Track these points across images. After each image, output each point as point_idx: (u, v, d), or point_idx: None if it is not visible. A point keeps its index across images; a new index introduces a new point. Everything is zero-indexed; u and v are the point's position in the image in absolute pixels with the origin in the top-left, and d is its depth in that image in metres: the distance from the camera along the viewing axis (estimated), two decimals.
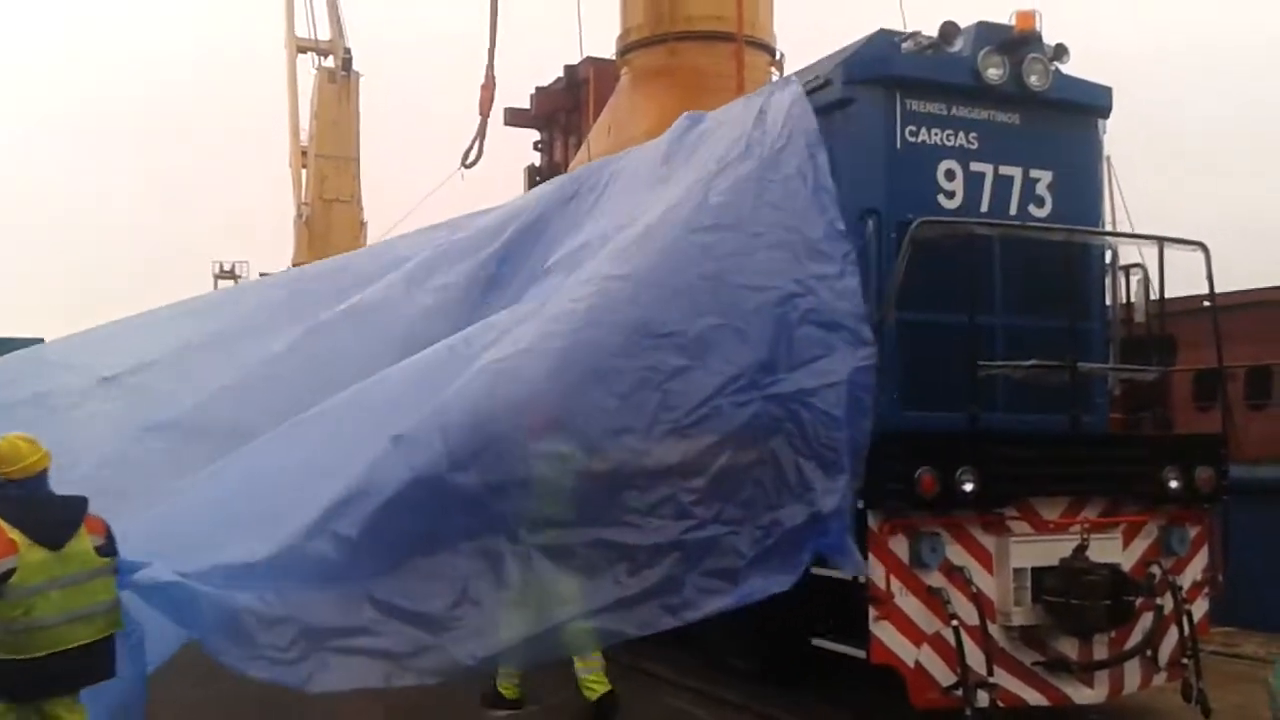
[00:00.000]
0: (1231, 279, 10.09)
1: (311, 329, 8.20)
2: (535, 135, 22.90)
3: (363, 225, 41.75)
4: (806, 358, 6.54)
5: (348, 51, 41.35)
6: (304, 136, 41.76)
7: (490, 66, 18.70)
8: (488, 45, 18.55)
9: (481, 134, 18.89)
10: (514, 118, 21.39)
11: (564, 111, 21.56)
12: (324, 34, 41.87)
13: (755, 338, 6.56)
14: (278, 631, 5.52)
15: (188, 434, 7.31)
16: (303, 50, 42.07)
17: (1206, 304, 7.93)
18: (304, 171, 41.55)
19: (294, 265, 40.70)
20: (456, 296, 8.27)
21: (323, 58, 42.04)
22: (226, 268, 61.21)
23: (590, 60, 18.64)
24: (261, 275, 44.40)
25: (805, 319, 6.63)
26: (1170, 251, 7.77)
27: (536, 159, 22.88)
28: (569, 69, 21.00)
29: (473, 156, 18.85)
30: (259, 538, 5.71)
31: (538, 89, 22.18)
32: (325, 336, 8.10)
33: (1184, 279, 8.10)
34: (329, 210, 40.65)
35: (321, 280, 9.22)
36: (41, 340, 15.93)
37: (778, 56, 16.20)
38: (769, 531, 6.35)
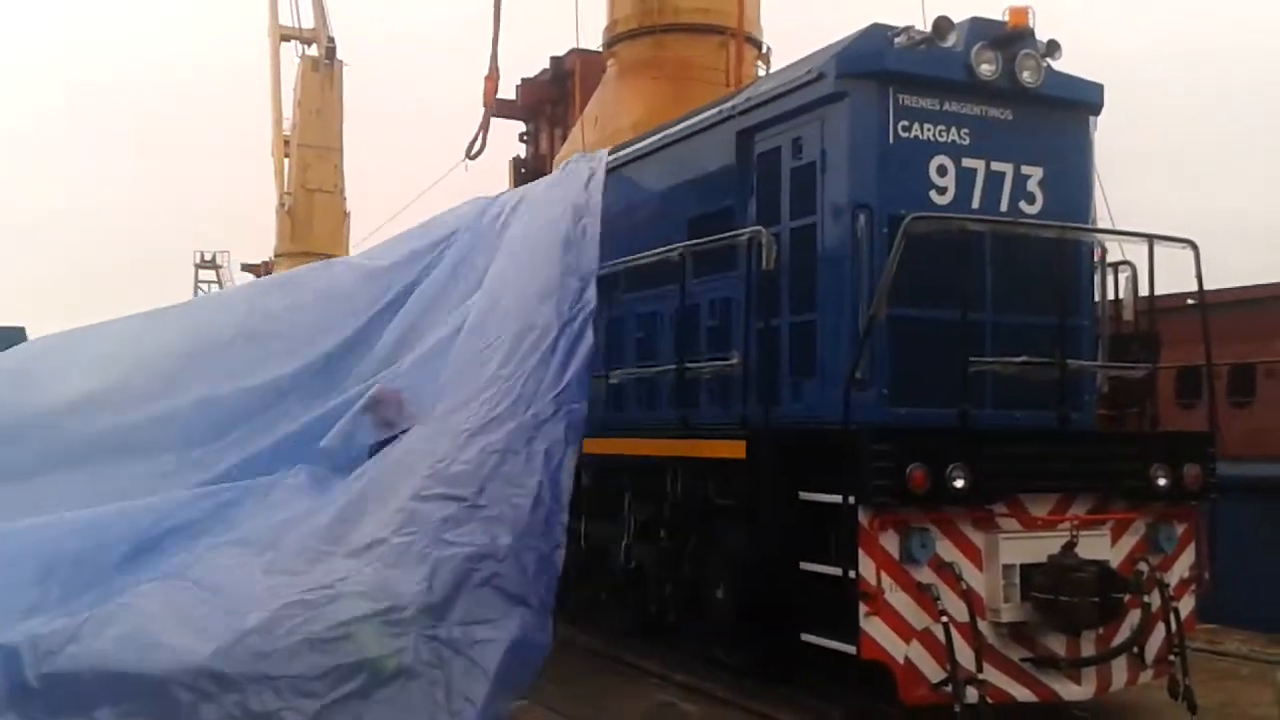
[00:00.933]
0: (1219, 277, 10.10)
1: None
2: (521, 126, 22.77)
3: (345, 215, 41.61)
4: (478, 617, 6.21)
5: (331, 40, 41.16)
6: (287, 126, 41.57)
7: (494, 58, 18.70)
8: (491, 36, 18.52)
9: (485, 125, 18.92)
10: (500, 109, 21.34)
11: (550, 103, 21.51)
12: (308, 22, 41.70)
13: (433, 583, 6.22)
14: None
15: None
16: (286, 39, 41.88)
17: (1190, 302, 7.94)
18: (286, 160, 41.38)
19: (277, 255, 40.57)
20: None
21: (306, 46, 41.85)
22: (207, 257, 60.89)
23: (576, 52, 18.61)
24: (243, 267, 44.36)
25: (489, 582, 6.29)
26: (1159, 250, 7.79)
27: (522, 151, 22.78)
28: (555, 60, 20.93)
29: (477, 148, 18.88)
30: None
31: (523, 80, 22.09)
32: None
33: (1170, 277, 8.12)
34: (311, 200, 40.52)
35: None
36: (23, 329, 15.75)
37: (764, 50, 16.23)
38: None
